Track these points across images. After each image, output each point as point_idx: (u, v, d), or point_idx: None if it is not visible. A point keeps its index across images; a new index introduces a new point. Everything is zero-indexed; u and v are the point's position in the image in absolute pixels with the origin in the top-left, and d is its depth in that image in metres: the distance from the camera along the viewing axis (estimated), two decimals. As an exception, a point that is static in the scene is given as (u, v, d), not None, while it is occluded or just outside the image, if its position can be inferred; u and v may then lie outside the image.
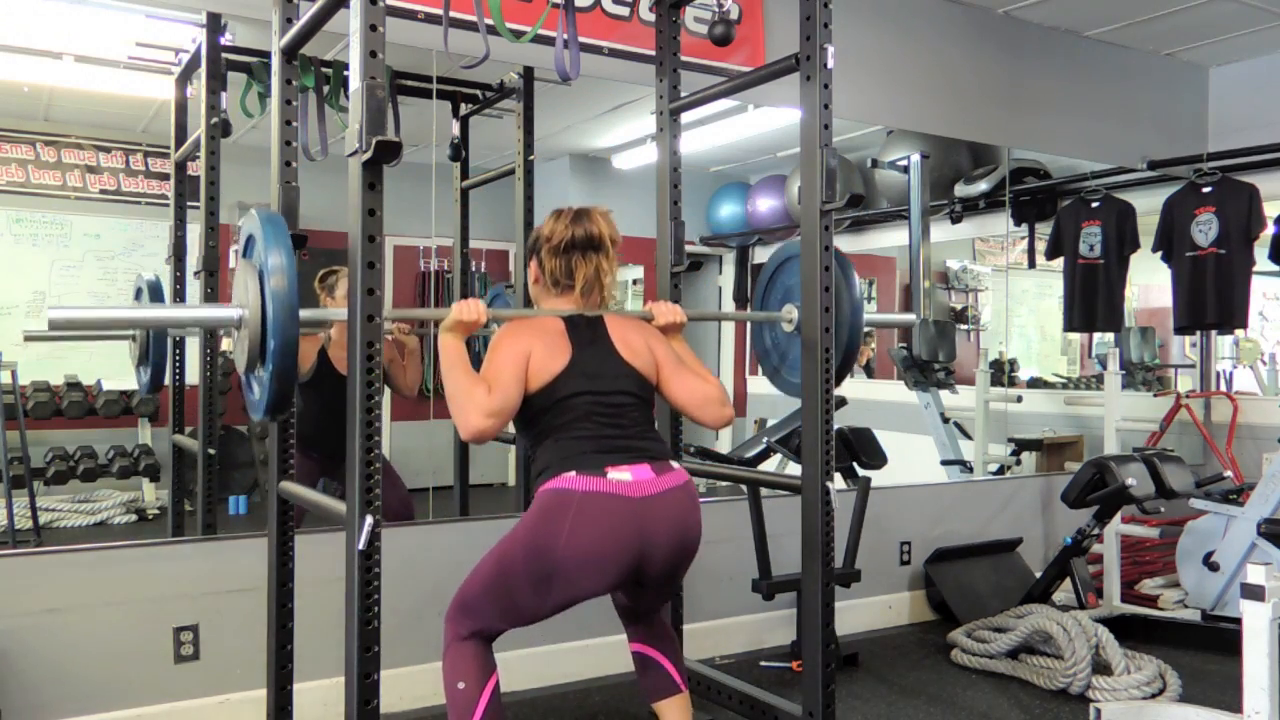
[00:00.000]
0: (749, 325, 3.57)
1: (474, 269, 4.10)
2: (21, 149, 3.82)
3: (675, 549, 2.15)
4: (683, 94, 2.93)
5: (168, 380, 3.50)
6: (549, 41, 2.84)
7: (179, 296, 3.49)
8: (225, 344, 3.39)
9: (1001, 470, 5.04)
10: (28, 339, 3.62)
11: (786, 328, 2.75)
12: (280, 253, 1.91)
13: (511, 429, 2.30)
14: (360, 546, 1.82)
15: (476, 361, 2.23)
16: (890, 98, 4.38)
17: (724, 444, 5.91)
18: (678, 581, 2.30)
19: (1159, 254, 5.22)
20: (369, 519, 1.82)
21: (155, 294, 3.13)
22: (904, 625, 4.23)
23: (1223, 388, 5.86)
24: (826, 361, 2.37)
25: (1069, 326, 5.64)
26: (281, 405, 1.99)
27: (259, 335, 1.93)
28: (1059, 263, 5.43)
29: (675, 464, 2.22)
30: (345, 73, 2.02)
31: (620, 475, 2.08)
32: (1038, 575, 4.24)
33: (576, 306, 2.31)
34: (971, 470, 4.99)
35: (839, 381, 2.56)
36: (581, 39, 2.98)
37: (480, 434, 2.07)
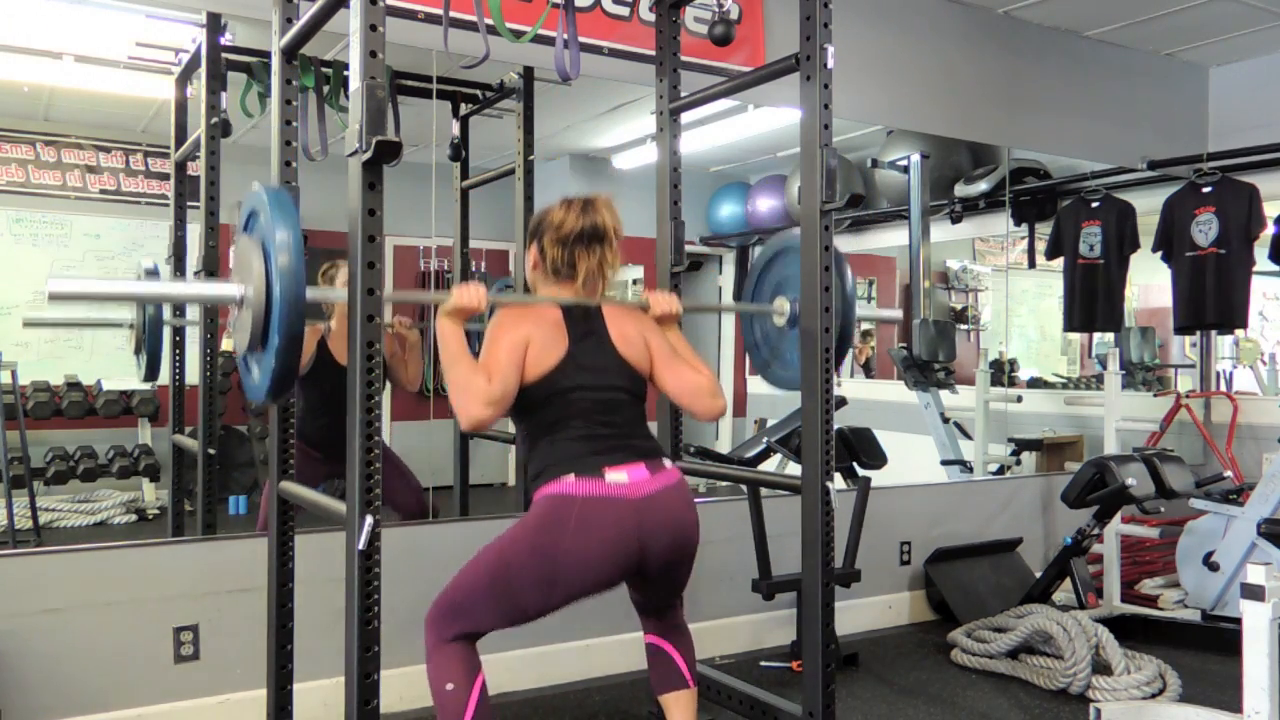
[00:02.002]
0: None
1: (474, 269, 4.11)
2: (21, 149, 3.81)
3: (672, 545, 2.17)
4: (683, 94, 2.93)
5: (167, 379, 3.50)
6: (549, 41, 2.84)
7: (179, 297, 3.49)
8: (225, 343, 3.38)
9: (1001, 470, 5.04)
10: (27, 325, 3.59)
11: (778, 321, 2.72)
12: (287, 227, 1.80)
13: (511, 428, 2.30)
14: (360, 546, 1.82)
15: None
16: (890, 98, 4.38)
17: (724, 444, 5.92)
18: (681, 579, 2.29)
19: (1159, 254, 5.22)
20: (369, 519, 1.82)
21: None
22: (904, 625, 4.23)
23: (1223, 388, 5.86)
24: (827, 361, 2.37)
25: (1069, 326, 5.64)
26: (283, 388, 1.91)
27: (262, 315, 1.82)
28: (1059, 263, 5.44)
29: (668, 462, 2.24)
30: (345, 73, 2.00)
31: (617, 477, 2.11)
32: (1038, 575, 4.24)
33: (575, 296, 2.30)
34: (971, 470, 4.99)
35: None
36: (581, 39, 2.98)
37: (480, 423, 2.09)
